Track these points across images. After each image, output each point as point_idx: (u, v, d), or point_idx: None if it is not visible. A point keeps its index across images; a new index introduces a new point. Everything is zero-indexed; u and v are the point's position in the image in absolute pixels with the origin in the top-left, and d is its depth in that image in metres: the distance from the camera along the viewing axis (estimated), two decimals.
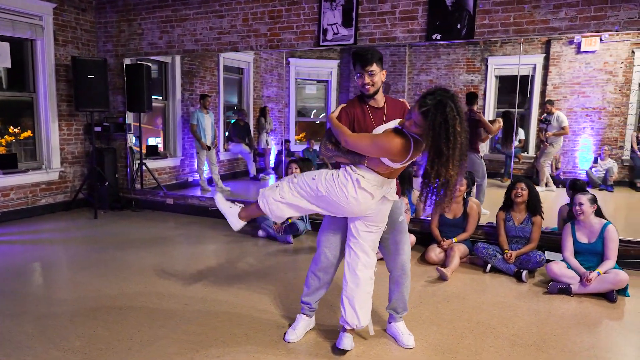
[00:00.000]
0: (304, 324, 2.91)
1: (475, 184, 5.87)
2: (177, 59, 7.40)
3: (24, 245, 4.73)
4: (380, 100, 2.60)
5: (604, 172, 8.21)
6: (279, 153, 9.48)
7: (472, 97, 7.00)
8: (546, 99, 8.62)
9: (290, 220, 5.04)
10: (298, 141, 10.14)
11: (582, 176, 8.43)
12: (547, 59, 9.16)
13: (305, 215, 5.18)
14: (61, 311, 3.16)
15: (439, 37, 4.68)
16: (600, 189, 8.03)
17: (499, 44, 9.17)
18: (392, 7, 4.84)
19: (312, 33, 5.23)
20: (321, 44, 5.17)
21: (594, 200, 3.73)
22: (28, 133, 6.10)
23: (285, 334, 2.85)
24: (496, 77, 9.47)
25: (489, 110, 9.01)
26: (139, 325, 2.96)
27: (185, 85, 7.71)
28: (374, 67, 2.48)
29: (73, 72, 5.88)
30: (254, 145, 9.01)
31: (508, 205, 4.32)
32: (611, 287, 3.48)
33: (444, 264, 4.22)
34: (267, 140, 9.42)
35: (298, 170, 5.11)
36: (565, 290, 3.59)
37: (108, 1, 6.33)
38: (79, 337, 2.79)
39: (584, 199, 3.72)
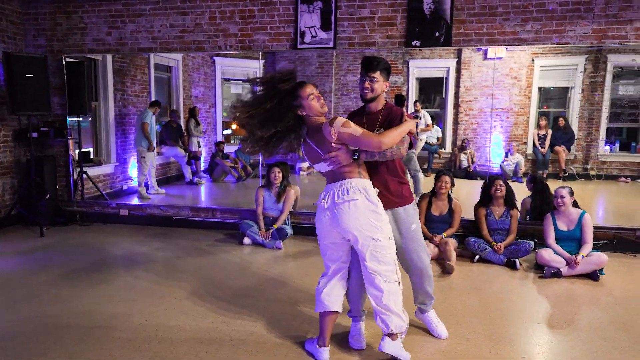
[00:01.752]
0: (363, 327, 2.92)
1: (412, 175, 6.34)
2: (109, 56, 6.77)
3: None
4: (377, 105, 2.68)
5: (514, 165, 9.19)
6: (213, 155, 9.13)
7: (400, 100, 7.43)
8: (415, 99, 9.38)
9: (276, 226, 4.95)
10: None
11: (496, 169, 9.40)
12: (459, 63, 10.00)
13: (288, 218, 5.11)
14: (91, 340, 2.79)
15: (418, 43, 4.93)
16: (512, 181, 8.99)
17: (419, 48, 9.82)
18: (371, 12, 4.98)
19: (288, 35, 5.16)
20: (298, 46, 5.13)
21: (572, 193, 4.25)
22: None
23: (351, 343, 2.83)
24: (416, 78, 10.11)
25: (411, 109, 9.61)
26: (187, 353, 2.73)
27: (116, 84, 7.09)
28: (377, 75, 2.59)
29: (6, 70, 5.10)
30: (188, 148, 8.56)
31: (487, 201, 4.71)
32: (595, 267, 4.01)
33: (439, 258, 4.47)
34: (198, 143, 9.01)
35: (280, 175, 5.03)
36: (557, 274, 4.05)
37: None
38: None
39: (564, 192, 4.22)
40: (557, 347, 2.87)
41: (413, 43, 4.92)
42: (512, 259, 4.35)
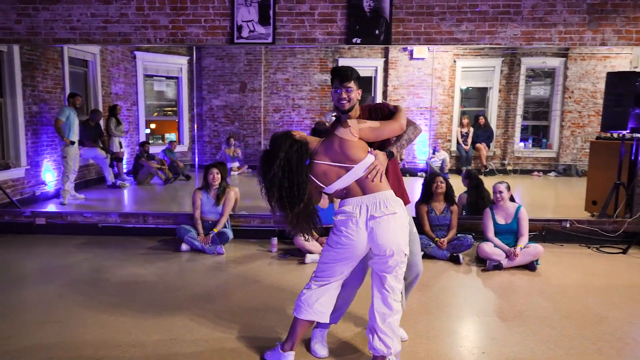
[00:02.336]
0: (325, 335, 2.81)
1: None
2: (16, 47, 6.08)
3: None
4: (355, 114, 2.60)
5: (440, 162, 9.53)
6: (137, 157, 8.56)
7: None
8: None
9: (216, 230, 4.68)
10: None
11: (422, 165, 9.72)
12: (386, 63, 10.21)
13: (228, 222, 4.87)
14: None
15: (358, 40, 4.89)
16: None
17: (348, 47, 9.88)
18: (310, 8, 4.86)
19: (224, 29, 4.90)
20: (235, 41, 4.89)
21: (508, 188, 4.43)
22: None
23: (312, 350, 2.71)
24: None
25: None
26: None
27: (25, 79, 6.41)
28: (352, 84, 2.53)
29: None
30: (108, 148, 7.95)
31: (428, 197, 4.79)
32: (532, 258, 4.21)
33: None
34: (120, 143, 8.40)
35: (219, 176, 4.78)
36: (498, 266, 4.20)
37: None
38: None
39: (502, 187, 4.38)
40: (511, 339, 2.94)
41: (354, 40, 4.88)
42: (455, 254, 4.45)
